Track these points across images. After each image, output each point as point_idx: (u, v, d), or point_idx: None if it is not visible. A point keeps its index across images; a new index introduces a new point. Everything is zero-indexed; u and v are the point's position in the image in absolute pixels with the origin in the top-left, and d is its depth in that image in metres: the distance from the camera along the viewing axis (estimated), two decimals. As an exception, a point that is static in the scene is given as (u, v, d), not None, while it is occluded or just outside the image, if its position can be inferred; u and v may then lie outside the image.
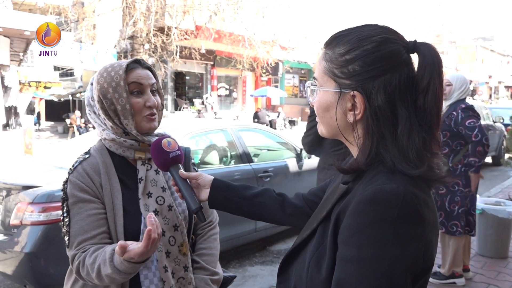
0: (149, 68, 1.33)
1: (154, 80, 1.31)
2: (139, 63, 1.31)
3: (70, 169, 1.28)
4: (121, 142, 1.28)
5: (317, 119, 0.91)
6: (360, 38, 0.82)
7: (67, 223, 1.21)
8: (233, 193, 1.16)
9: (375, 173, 0.78)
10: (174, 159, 1.16)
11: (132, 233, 1.23)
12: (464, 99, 3.33)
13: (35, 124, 19.06)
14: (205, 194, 1.16)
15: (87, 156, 1.30)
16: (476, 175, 3.25)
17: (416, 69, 0.81)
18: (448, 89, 3.30)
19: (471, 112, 3.20)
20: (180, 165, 1.18)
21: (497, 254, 4.02)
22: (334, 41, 0.86)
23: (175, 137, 1.30)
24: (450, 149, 3.27)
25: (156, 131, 1.37)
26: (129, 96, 1.25)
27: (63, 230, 1.23)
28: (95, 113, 1.30)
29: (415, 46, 0.82)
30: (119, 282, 1.15)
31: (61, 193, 1.27)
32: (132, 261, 1.03)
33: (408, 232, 0.71)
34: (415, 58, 0.83)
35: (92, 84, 1.30)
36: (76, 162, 1.29)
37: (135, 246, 1.00)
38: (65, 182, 1.26)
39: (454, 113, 3.22)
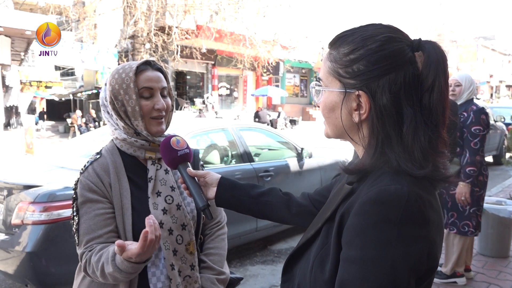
0: (159, 69, 1.34)
1: (164, 84, 1.33)
2: (149, 64, 1.32)
3: (82, 169, 1.31)
4: (132, 142, 1.30)
5: (322, 120, 0.91)
6: (364, 37, 0.82)
7: (77, 222, 1.24)
8: (240, 192, 1.17)
9: (380, 173, 0.78)
10: (182, 157, 1.18)
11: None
12: (472, 99, 3.31)
13: (36, 124, 19.08)
14: (212, 192, 1.18)
15: (98, 156, 1.33)
16: (468, 186, 3.13)
17: (421, 68, 0.81)
18: (458, 89, 3.27)
19: (483, 116, 3.16)
20: (188, 163, 1.20)
21: (498, 254, 4.02)
22: (338, 41, 0.86)
23: None
24: (462, 148, 3.22)
25: (165, 132, 1.38)
26: (139, 98, 1.27)
27: (73, 228, 1.26)
28: (108, 113, 1.33)
29: (420, 45, 0.81)
30: (121, 281, 1.18)
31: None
32: (131, 261, 1.06)
33: (412, 233, 0.71)
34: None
35: (106, 85, 1.33)
36: (87, 162, 1.32)
37: (132, 247, 1.03)
38: (76, 182, 1.29)
39: (465, 113, 3.19)
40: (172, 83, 19.94)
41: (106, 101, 1.31)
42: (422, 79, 0.80)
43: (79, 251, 1.23)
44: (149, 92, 1.29)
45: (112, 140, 1.37)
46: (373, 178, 0.78)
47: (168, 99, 1.34)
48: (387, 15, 27.68)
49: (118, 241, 1.02)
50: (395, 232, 0.70)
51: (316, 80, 0.91)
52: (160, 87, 1.31)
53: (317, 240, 0.87)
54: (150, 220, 1.01)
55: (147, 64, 1.31)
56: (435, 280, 3.44)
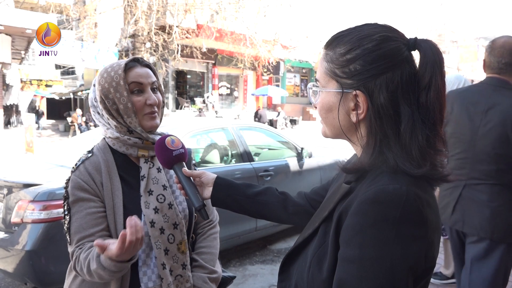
0: (148, 66, 1.34)
1: (154, 79, 1.32)
2: (137, 61, 1.32)
3: (73, 167, 1.30)
4: (125, 140, 1.29)
5: (319, 120, 0.91)
6: (360, 37, 0.82)
7: (68, 220, 1.24)
8: (236, 191, 1.17)
9: (378, 173, 0.78)
10: (177, 157, 1.17)
11: None
12: None
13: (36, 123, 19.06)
14: (208, 192, 1.17)
15: (89, 155, 1.32)
16: None
17: (417, 66, 0.81)
18: None
19: None
20: (184, 163, 1.19)
21: (497, 254, 4.01)
22: (334, 42, 0.86)
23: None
24: None
25: (159, 130, 1.38)
26: (130, 95, 1.26)
27: (64, 227, 1.26)
28: (98, 113, 1.32)
29: (416, 43, 0.81)
30: (106, 280, 1.17)
31: (63, 191, 1.29)
32: (114, 259, 1.05)
33: (410, 233, 0.71)
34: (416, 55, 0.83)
35: (94, 85, 1.32)
36: (79, 161, 1.31)
37: (113, 246, 1.02)
38: (67, 181, 1.28)
39: None
40: (172, 82, 19.94)
41: (96, 101, 1.30)
42: (419, 78, 0.80)
43: (70, 249, 1.23)
44: (139, 87, 1.28)
45: (104, 138, 1.36)
46: (371, 177, 0.78)
47: (159, 95, 1.34)
48: (387, 15, 27.67)
49: (97, 241, 1.01)
50: (393, 232, 0.70)
51: (314, 81, 0.91)
52: (150, 82, 1.30)
53: (315, 239, 0.87)
54: (132, 221, 0.98)
55: (135, 61, 1.31)
56: (435, 281, 3.44)
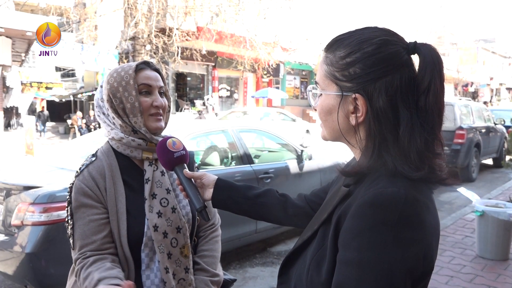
0: (157, 70, 1.37)
1: (162, 84, 1.35)
2: (148, 64, 1.35)
3: (77, 172, 1.30)
4: (129, 142, 1.30)
5: (319, 124, 0.92)
6: (360, 40, 0.82)
7: (71, 226, 1.24)
8: (236, 193, 1.18)
9: (377, 176, 0.78)
10: (178, 159, 1.18)
11: (136, 235, 1.26)
12: None
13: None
14: (208, 193, 1.18)
15: (93, 159, 1.32)
16: None
17: (416, 70, 0.82)
18: None
19: None
20: (185, 164, 1.20)
21: (497, 256, 4.02)
22: (334, 45, 0.86)
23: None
24: None
25: (163, 133, 1.39)
26: (138, 95, 1.28)
27: (67, 232, 1.26)
28: (104, 113, 1.33)
29: (415, 47, 0.82)
30: None
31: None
32: None
33: (408, 236, 0.71)
34: (415, 59, 0.83)
35: (101, 86, 1.34)
36: (83, 165, 1.31)
37: None
38: (71, 185, 1.28)
39: None
40: (172, 85, 19.94)
41: (102, 101, 1.32)
42: (418, 82, 0.80)
43: (73, 255, 1.24)
44: (148, 88, 1.31)
45: (108, 141, 1.36)
46: (370, 180, 0.79)
47: (165, 99, 1.36)
48: (387, 18, 27.69)
49: None
50: (391, 235, 0.70)
51: (314, 84, 0.91)
52: (158, 85, 1.33)
53: (314, 242, 0.87)
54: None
55: (146, 64, 1.34)
56: None
